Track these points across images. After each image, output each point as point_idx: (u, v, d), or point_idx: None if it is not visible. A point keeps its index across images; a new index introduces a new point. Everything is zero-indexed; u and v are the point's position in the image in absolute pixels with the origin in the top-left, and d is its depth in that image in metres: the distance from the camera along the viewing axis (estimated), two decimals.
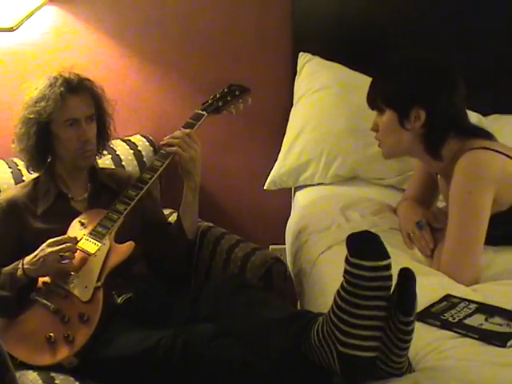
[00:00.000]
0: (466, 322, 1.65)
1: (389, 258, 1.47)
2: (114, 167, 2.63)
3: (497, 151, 2.07)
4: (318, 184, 2.66)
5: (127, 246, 2.16)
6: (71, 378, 1.96)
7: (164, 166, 2.28)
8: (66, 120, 2.24)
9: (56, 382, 1.94)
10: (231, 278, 2.17)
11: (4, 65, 2.67)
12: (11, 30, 2.49)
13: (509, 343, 1.57)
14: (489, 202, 2.02)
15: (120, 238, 2.18)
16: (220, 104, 2.39)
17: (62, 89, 2.24)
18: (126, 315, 2.11)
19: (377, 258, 1.45)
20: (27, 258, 2.11)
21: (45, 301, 2.09)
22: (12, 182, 2.53)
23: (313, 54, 2.77)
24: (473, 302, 1.75)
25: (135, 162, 2.70)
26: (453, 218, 2.03)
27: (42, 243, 2.11)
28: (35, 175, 2.37)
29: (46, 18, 2.68)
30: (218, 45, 2.82)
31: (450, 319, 1.66)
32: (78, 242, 2.15)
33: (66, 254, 2.09)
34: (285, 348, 1.68)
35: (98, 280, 2.09)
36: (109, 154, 2.59)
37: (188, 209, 2.33)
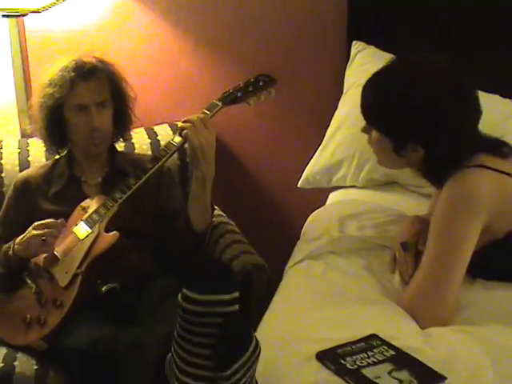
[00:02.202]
0: (364, 371, 1.42)
1: (228, 293, 1.30)
2: (137, 152, 2.60)
3: (496, 170, 1.75)
4: (351, 187, 2.45)
5: (112, 236, 2.13)
6: (33, 361, 2.01)
7: (169, 155, 2.22)
8: (75, 106, 2.25)
9: (15, 362, 1.99)
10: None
11: (60, 44, 2.73)
12: (38, 11, 2.52)
13: None
14: (475, 232, 1.72)
15: (116, 227, 2.16)
16: (239, 95, 2.27)
17: (72, 74, 2.24)
18: (108, 305, 2.11)
19: (208, 292, 1.29)
20: (18, 238, 2.16)
21: (30, 282, 2.15)
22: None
23: (368, 42, 2.53)
24: (394, 348, 1.50)
25: (149, 152, 2.63)
26: (428, 248, 1.75)
27: None
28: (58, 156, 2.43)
29: None
30: (272, 30, 2.69)
31: (349, 365, 1.44)
32: (64, 226, 2.16)
33: (48, 238, 2.11)
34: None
35: (79, 267, 2.10)
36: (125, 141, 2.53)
37: (195, 200, 2.22)
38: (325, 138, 2.53)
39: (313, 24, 2.66)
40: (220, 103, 2.25)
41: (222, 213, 2.52)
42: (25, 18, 2.59)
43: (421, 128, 1.79)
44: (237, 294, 1.31)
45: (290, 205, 2.84)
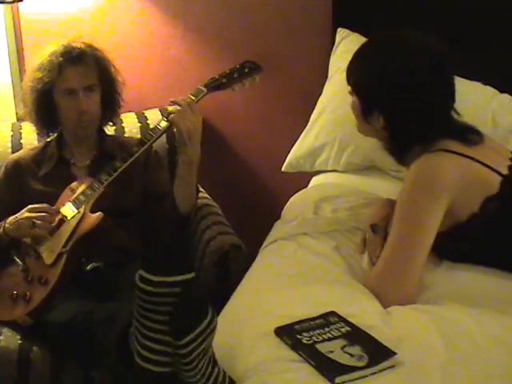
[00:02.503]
0: (318, 346, 1.48)
1: (183, 274, 1.37)
2: (127, 136, 2.67)
3: (460, 154, 1.80)
4: (333, 171, 2.50)
5: (96, 217, 2.20)
6: (18, 336, 2.07)
7: (154, 139, 2.29)
8: (64, 90, 2.31)
9: (0, 337, 2.05)
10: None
11: (54, 29, 2.79)
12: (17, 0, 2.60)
13: (337, 379, 1.39)
14: (437, 213, 1.76)
15: (102, 207, 2.23)
16: (224, 81, 2.34)
17: (60, 59, 2.31)
18: (91, 283, 2.19)
19: (164, 274, 1.36)
20: (10, 218, 2.24)
21: (18, 259, 2.23)
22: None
23: (352, 30, 2.58)
24: (350, 325, 1.56)
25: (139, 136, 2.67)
26: (393, 229, 1.80)
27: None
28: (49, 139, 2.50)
29: None
30: (260, 17, 2.74)
31: (304, 340, 1.50)
32: (57, 212, 2.23)
33: (39, 222, 2.19)
34: None
35: (65, 246, 2.17)
36: (114, 124, 2.58)
37: (181, 183, 2.29)
38: (309, 122, 2.58)
39: (299, 11, 2.70)
40: (205, 89, 2.32)
41: (206, 195, 2.58)
42: (19, 3, 2.66)
43: (386, 98, 1.86)
44: (191, 275, 1.38)
45: (276, 187, 2.90)
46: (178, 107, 2.22)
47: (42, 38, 2.74)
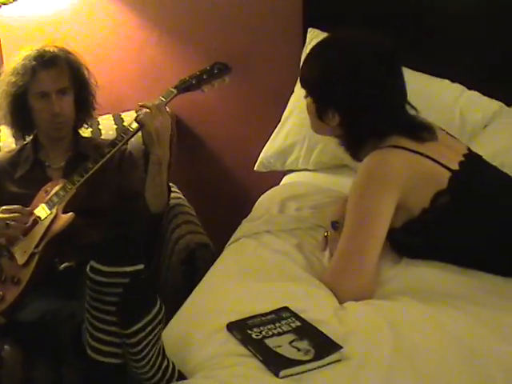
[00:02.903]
0: (267, 341, 1.51)
1: (131, 265, 1.41)
2: (103, 138, 2.71)
3: (409, 150, 1.83)
4: (304, 170, 2.53)
5: (67, 217, 2.25)
6: None
7: (125, 140, 2.33)
8: (37, 93, 2.36)
9: None
10: None
11: (32, 32, 2.84)
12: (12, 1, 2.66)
13: (282, 373, 1.42)
14: (387, 207, 1.80)
15: (74, 208, 2.27)
16: (193, 82, 2.39)
17: (33, 63, 2.35)
18: (64, 283, 2.23)
19: (113, 264, 1.40)
20: None
21: None
22: None
23: (322, 30, 2.60)
24: (301, 320, 1.59)
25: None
26: (346, 223, 1.83)
27: None
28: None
29: None
30: (231, 18, 2.80)
31: (254, 335, 1.53)
32: (30, 212, 2.27)
33: (12, 223, 2.23)
34: None
35: (37, 246, 2.21)
36: (90, 126, 2.64)
37: (151, 182, 2.33)
38: (280, 122, 2.62)
39: (270, 11, 2.75)
40: (175, 90, 2.37)
41: (180, 195, 2.62)
42: None
43: (339, 94, 1.89)
44: (140, 267, 1.42)
45: (250, 186, 2.93)
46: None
47: (21, 42, 2.79)
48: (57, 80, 2.38)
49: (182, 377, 1.49)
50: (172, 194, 2.53)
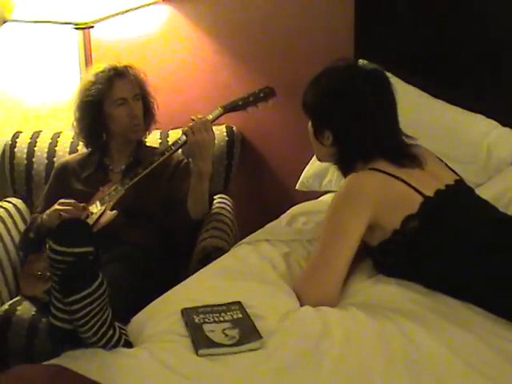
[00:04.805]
0: (204, 326, 1.71)
1: (81, 247, 1.63)
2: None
3: (386, 173, 1.94)
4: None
5: (111, 214, 2.56)
6: (33, 309, 2.49)
7: (173, 150, 2.61)
8: (117, 100, 2.70)
9: (18, 307, 2.49)
10: None
11: (119, 53, 3.19)
12: (89, 26, 3.04)
13: (201, 351, 1.62)
14: (357, 224, 1.92)
15: (122, 207, 2.58)
16: (240, 103, 2.62)
17: (110, 73, 2.71)
18: None
19: (65, 245, 1.63)
20: (47, 211, 2.65)
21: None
22: None
23: (373, 62, 2.74)
24: (244, 313, 1.76)
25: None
26: (319, 237, 1.98)
27: (80, 202, 2.63)
28: None
29: (159, 15, 3.18)
30: (293, 48, 3.03)
31: (197, 320, 1.73)
32: (84, 207, 2.59)
33: (65, 214, 2.57)
34: None
35: None
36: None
37: (193, 191, 2.58)
38: None
39: (326, 43, 2.94)
40: (222, 110, 2.61)
41: (225, 205, 2.82)
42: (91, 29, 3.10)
43: (331, 114, 2.05)
44: (89, 249, 1.65)
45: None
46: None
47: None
48: (131, 87, 2.72)
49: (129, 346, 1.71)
50: (217, 204, 2.78)
